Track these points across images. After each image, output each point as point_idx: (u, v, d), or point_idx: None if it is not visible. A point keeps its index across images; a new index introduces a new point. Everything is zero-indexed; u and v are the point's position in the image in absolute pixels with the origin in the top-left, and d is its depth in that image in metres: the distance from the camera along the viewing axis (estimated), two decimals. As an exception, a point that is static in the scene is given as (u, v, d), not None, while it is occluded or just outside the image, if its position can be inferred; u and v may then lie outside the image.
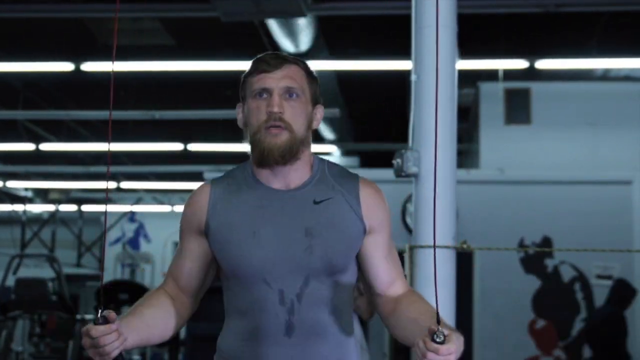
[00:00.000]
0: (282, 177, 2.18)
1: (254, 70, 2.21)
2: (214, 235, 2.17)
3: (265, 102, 2.16)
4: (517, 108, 8.06)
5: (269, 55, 2.24)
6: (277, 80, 2.17)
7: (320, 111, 2.28)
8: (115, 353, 1.94)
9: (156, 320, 2.16)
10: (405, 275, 3.68)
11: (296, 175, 2.19)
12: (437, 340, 1.83)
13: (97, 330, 1.91)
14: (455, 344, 1.83)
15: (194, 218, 2.22)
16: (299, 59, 2.28)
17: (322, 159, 2.27)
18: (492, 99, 8.16)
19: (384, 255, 2.23)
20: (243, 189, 2.21)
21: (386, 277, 2.23)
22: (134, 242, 16.49)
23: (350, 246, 2.17)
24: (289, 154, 2.14)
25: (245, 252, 2.12)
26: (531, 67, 8.44)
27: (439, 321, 1.85)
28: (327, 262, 2.12)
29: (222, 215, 2.17)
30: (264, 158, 2.15)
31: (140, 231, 16.59)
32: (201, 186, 2.28)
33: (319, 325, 2.12)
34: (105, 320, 1.94)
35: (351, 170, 2.31)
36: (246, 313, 2.14)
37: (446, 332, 1.83)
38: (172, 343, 9.17)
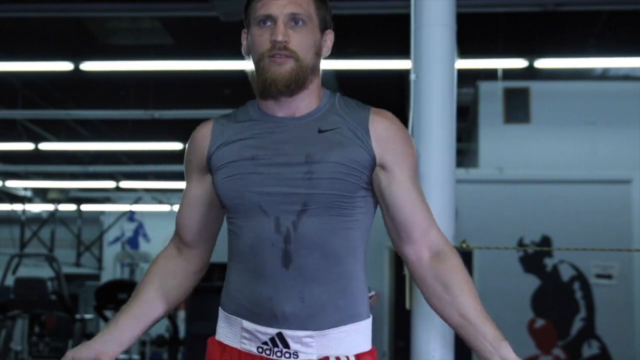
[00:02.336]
0: (287, 107, 2.06)
1: None
2: (215, 165, 2.07)
3: (269, 30, 2.01)
4: (516, 107, 8.07)
5: None
6: (281, 6, 2.01)
7: (330, 37, 2.13)
8: None
9: (157, 296, 2.16)
10: (405, 274, 3.66)
11: (302, 104, 2.06)
12: None
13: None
14: None
15: (196, 154, 2.14)
16: None
17: (333, 93, 2.13)
18: (491, 98, 8.17)
19: (407, 188, 2.05)
20: (246, 119, 2.10)
21: (416, 218, 2.05)
22: (133, 242, 16.50)
23: (353, 172, 2.00)
24: (295, 84, 2.01)
25: (244, 178, 2.02)
26: (530, 66, 8.44)
27: None
28: (326, 187, 1.98)
29: (224, 145, 2.07)
30: (266, 88, 2.02)
31: (139, 230, 16.59)
32: (203, 123, 2.18)
33: (319, 255, 1.98)
34: None
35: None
36: (246, 250, 2.03)
37: None
38: (172, 342, 9.18)
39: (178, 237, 2.23)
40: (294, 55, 2.01)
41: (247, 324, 2.02)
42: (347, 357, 2.01)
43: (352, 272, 2.03)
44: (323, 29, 2.11)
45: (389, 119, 2.08)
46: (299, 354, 1.98)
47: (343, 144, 2.01)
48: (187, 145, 2.18)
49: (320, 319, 1.98)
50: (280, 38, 1.99)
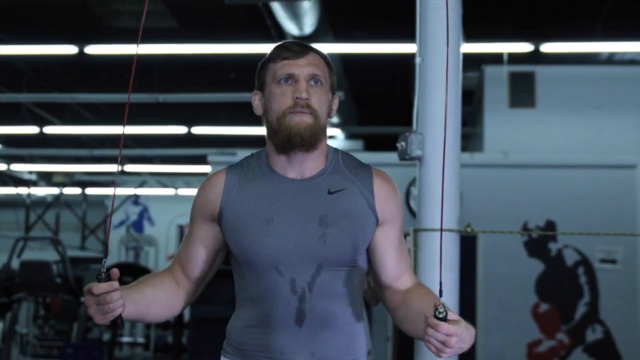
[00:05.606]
0: (298, 166, 2.17)
1: (276, 57, 2.19)
2: (227, 222, 2.16)
3: (291, 88, 2.14)
4: (522, 91, 8.04)
5: (290, 43, 2.23)
6: (302, 67, 2.15)
7: (336, 102, 2.27)
8: (117, 312, 1.96)
9: (156, 298, 2.17)
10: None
11: (312, 164, 2.18)
12: (439, 315, 1.82)
13: (99, 287, 1.93)
14: (460, 329, 1.84)
15: (207, 204, 2.20)
16: (317, 49, 2.27)
17: (336, 149, 2.26)
18: (496, 82, 8.14)
19: (394, 246, 2.23)
20: (258, 177, 2.19)
21: (395, 269, 2.23)
22: (137, 225, 16.53)
23: (363, 237, 2.16)
24: (314, 139, 2.13)
25: (259, 240, 2.11)
26: (536, 51, 8.42)
27: (441, 295, 1.86)
28: (340, 251, 2.11)
29: (237, 203, 2.16)
30: (289, 141, 2.12)
31: (144, 214, 16.62)
32: (216, 172, 2.25)
33: (330, 315, 2.12)
34: (108, 277, 1.94)
35: (362, 161, 2.31)
36: (257, 301, 2.13)
37: (453, 315, 1.85)
38: (176, 325, 9.20)
39: (181, 271, 2.27)
40: (314, 112, 2.14)
41: None
42: None
43: (356, 317, 2.19)
44: (332, 93, 2.26)
45: (388, 180, 2.25)
46: None
47: (352, 208, 2.15)
48: (198, 191, 2.26)
49: None
50: (304, 95, 2.12)
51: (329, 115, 2.23)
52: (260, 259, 2.11)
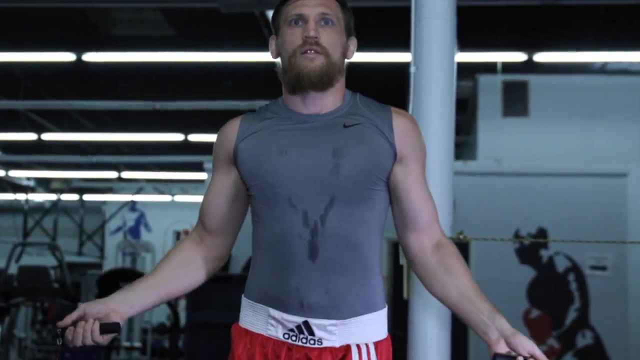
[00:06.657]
0: (313, 104, 2.16)
1: None
2: (242, 157, 2.17)
3: (300, 29, 2.14)
4: (515, 100, 8.11)
5: None
6: (312, 7, 2.15)
7: (353, 43, 2.25)
8: (89, 338, 2.07)
9: (172, 269, 2.22)
10: (403, 265, 3.72)
11: (328, 101, 2.17)
12: None
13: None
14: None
15: (223, 147, 2.22)
16: None
17: (354, 92, 2.24)
18: (490, 91, 8.21)
19: (419, 182, 2.18)
20: (274, 116, 2.20)
21: (423, 207, 2.18)
22: (134, 231, 16.54)
23: (379, 168, 2.12)
24: (326, 78, 2.12)
25: (272, 171, 2.10)
26: (529, 60, 8.47)
27: None
28: (353, 181, 2.09)
29: (252, 139, 2.17)
30: (299, 82, 2.12)
31: (140, 220, 16.63)
32: (232, 119, 2.27)
33: (343, 251, 2.09)
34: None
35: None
36: (272, 242, 2.12)
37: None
38: (173, 330, 9.25)
39: (201, 226, 2.29)
40: (324, 51, 2.12)
41: (274, 312, 2.11)
42: (367, 345, 2.12)
43: (372, 263, 2.14)
44: (348, 34, 2.23)
45: (408, 117, 2.22)
46: (323, 341, 2.09)
47: (367, 138, 2.12)
48: (215, 139, 2.27)
49: (342, 309, 2.09)
50: (312, 33, 2.11)
51: (345, 56, 2.21)
52: (274, 191, 2.10)
